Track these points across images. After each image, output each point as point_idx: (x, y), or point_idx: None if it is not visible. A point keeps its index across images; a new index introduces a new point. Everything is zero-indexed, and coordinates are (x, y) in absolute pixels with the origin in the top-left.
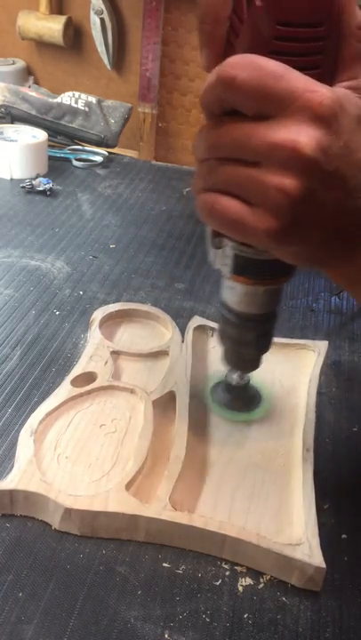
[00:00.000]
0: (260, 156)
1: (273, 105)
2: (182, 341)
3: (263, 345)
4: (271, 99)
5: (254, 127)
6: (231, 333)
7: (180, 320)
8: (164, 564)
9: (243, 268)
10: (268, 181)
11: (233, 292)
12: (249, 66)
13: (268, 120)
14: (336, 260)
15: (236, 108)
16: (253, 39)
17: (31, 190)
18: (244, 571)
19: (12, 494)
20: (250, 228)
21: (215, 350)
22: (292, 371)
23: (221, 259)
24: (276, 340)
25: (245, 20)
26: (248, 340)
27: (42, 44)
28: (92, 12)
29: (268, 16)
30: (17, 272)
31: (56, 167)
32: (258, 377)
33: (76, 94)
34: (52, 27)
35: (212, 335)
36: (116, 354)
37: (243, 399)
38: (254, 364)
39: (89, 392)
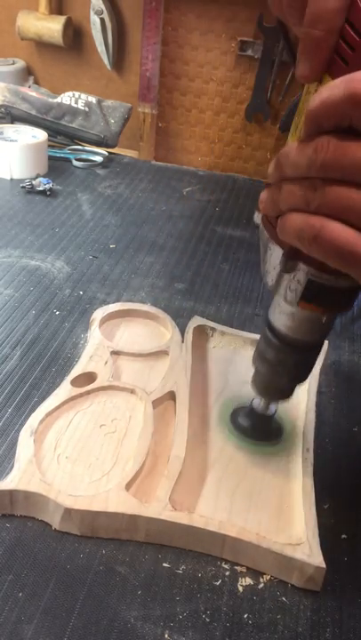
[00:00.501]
0: None
1: None
2: (182, 341)
3: (304, 374)
4: None
5: None
6: (272, 359)
7: (180, 320)
8: (164, 564)
9: (314, 296)
10: None
11: (291, 318)
12: None
13: None
14: None
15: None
16: None
17: (31, 190)
18: (244, 571)
19: (12, 494)
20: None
21: (215, 350)
22: None
23: (288, 283)
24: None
25: None
26: (290, 369)
27: (42, 44)
28: (91, 12)
29: None
30: (17, 272)
31: (56, 167)
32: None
33: (76, 94)
34: (52, 27)
35: (212, 335)
36: (115, 354)
37: (265, 429)
38: (288, 393)
39: (89, 392)
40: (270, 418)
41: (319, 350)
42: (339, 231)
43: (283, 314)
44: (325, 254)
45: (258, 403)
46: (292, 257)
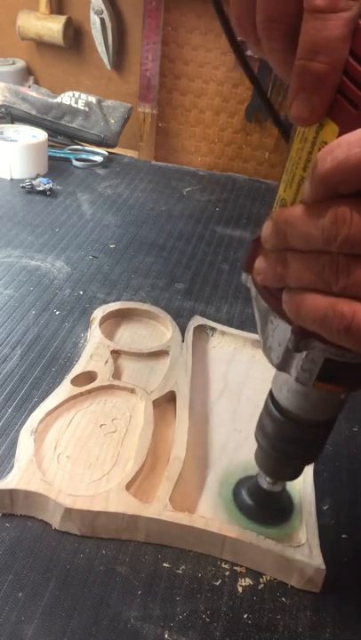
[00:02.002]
0: None
1: None
2: (182, 341)
3: (317, 453)
4: None
5: None
6: (280, 439)
7: (180, 320)
8: (164, 564)
9: (332, 375)
10: None
11: (305, 400)
12: None
13: None
14: None
15: None
16: None
17: (31, 190)
18: (244, 571)
19: (12, 494)
20: None
21: (215, 350)
22: None
23: (300, 362)
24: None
25: None
26: (299, 449)
27: (42, 44)
28: (92, 12)
29: None
30: (17, 272)
31: (56, 167)
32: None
33: (76, 94)
34: (52, 27)
35: (213, 335)
36: (116, 353)
37: (272, 509)
38: (297, 472)
39: (89, 391)
40: (279, 495)
41: (332, 426)
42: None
43: (292, 392)
44: (358, 345)
45: (263, 478)
46: (305, 336)
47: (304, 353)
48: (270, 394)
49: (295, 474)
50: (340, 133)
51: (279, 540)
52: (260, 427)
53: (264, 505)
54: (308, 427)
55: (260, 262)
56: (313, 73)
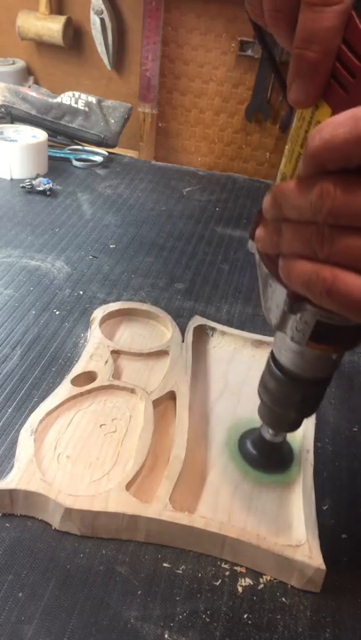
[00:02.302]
0: None
1: None
2: (182, 341)
3: (314, 408)
4: None
5: None
6: (280, 394)
7: (180, 320)
8: (164, 564)
9: (323, 336)
10: None
11: (300, 358)
12: None
13: None
14: None
15: None
16: None
17: (31, 190)
18: (244, 571)
19: (12, 494)
20: None
21: (215, 350)
22: None
23: (295, 324)
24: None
25: None
26: (297, 403)
27: (42, 45)
28: (91, 12)
29: None
30: (17, 272)
31: (56, 167)
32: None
33: (76, 94)
34: (52, 27)
35: (212, 335)
36: (116, 353)
37: (274, 458)
38: (295, 424)
39: (89, 391)
40: (280, 445)
41: (329, 382)
42: (354, 283)
43: (290, 352)
44: (340, 307)
45: (266, 430)
46: (298, 299)
47: (298, 315)
48: (271, 353)
49: (295, 426)
50: (333, 114)
51: (280, 485)
52: (263, 384)
53: (266, 454)
54: (305, 384)
55: (260, 231)
56: (308, 61)
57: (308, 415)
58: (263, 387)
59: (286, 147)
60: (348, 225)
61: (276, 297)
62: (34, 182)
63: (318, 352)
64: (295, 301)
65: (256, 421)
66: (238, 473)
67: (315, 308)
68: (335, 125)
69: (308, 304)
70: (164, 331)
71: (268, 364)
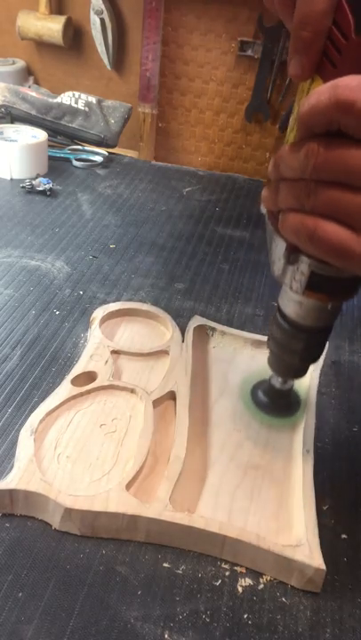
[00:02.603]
0: None
1: None
2: (182, 341)
3: (316, 355)
4: None
5: None
6: (285, 342)
7: (180, 320)
8: (164, 564)
9: (318, 286)
10: None
11: (300, 307)
12: None
13: None
14: None
15: (349, 132)
16: None
17: (31, 190)
18: (244, 571)
19: (12, 494)
20: (356, 255)
21: (215, 350)
22: None
23: (293, 274)
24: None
25: (353, 39)
26: (301, 350)
27: (42, 45)
28: (91, 12)
29: None
30: (17, 272)
31: (56, 167)
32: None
33: (76, 94)
34: (52, 27)
35: (212, 335)
36: (116, 353)
37: (285, 403)
38: (301, 372)
39: (89, 391)
40: (288, 392)
41: (330, 332)
42: (332, 231)
43: (291, 301)
44: (321, 252)
45: (276, 379)
46: (294, 250)
47: (295, 266)
48: (277, 305)
49: (301, 372)
50: None
51: (287, 426)
52: (270, 335)
53: (277, 401)
54: (307, 332)
55: (264, 191)
56: (303, 39)
57: (312, 361)
58: (271, 336)
59: (291, 117)
60: (329, 179)
61: (278, 250)
62: (34, 182)
63: (315, 301)
64: (292, 252)
65: (266, 373)
66: (252, 420)
67: (308, 259)
68: (319, 93)
69: (302, 255)
70: (164, 331)
71: (274, 317)
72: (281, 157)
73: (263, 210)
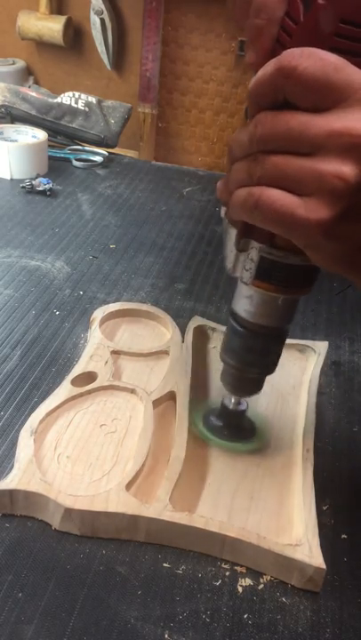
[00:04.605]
0: (317, 145)
1: (332, 96)
2: (182, 341)
3: (269, 365)
4: (331, 89)
5: (312, 117)
6: (237, 348)
7: (180, 320)
8: (164, 564)
9: (267, 273)
10: (323, 169)
11: (250, 302)
12: (310, 57)
13: (324, 112)
14: None
15: (292, 99)
16: (312, 35)
17: (31, 190)
18: (244, 571)
19: (12, 494)
20: (300, 219)
21: (215, 350)
22: (293, 371)
23: (244, 263)
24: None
25: (301, 22)
26: (254, 357)
27: (42, 44)
28: (92, 12)
29: (332, 11)
30: (17, 272)
31: (56, 167)
32: (253, 404)
33: (76, 94)
34: (52, 27)
35: (213, 335)
36: (116, 353)
37: (236, 427)
38: (256, 386)
39: (89, 392)
40: (243, 414)
41: (283, 339)
42: (276, 196)
43: (242, 298)
44: (266, 220)
45: (229, 400)
46: (245, 234)
47: (246, 254)
48: (230, 310)
49: (255, 388)
50: None
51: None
52: (223, 346)
53: (232, 424)
54: (260, 334)
55: (218, 184)
56: (256, 26)
57: (268, 373)
58: (223, 348)
59: None
60: (274, 148)
61: (230, 242)
62: (34, 182)
63: (265, 295)
64: (242, 237)
65: (214, 403)
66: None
67: (258, 244)
68: (265, 66)
69: (252, 240)
70: (163, 331)
71: (227, 325)
72: (233, 139)
73: (222, 213)
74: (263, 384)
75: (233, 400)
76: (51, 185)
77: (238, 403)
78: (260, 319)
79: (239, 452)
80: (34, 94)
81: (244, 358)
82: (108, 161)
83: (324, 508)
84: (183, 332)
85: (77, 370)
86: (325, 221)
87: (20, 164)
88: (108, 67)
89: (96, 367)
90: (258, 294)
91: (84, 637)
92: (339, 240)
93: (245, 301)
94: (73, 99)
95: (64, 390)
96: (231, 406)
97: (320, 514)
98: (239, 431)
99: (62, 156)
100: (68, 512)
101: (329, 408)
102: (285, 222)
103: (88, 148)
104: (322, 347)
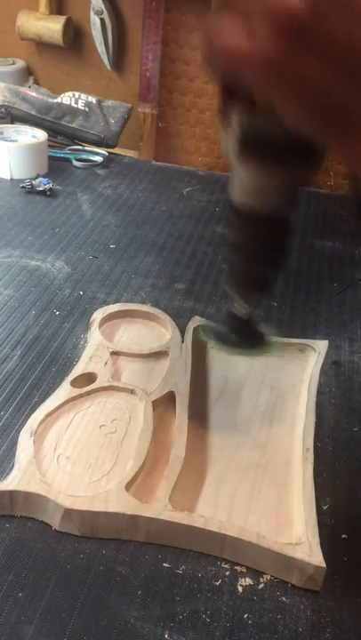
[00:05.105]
0: None
1: None
2: (182, 342)
3: (274, 259)
4: None
5: None
6: (236, 240)
7: (180, 320)
8: (164, 564)
9: (249, 145)
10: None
11: (240, 184)
12: None
13: None
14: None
15: None
16: None
17: (31, 190)
18: (244, 571)
19: (11, 495)
20: (245, 54)
21: (215, 350)
22: (293, 371)
23: (231, 141)
24: (276, 339)
25: None
26: (255, 247)
27: (42, 45)
28: (91, 12)
29: None
30: (17, 272)
31: (56, 167)
32: (253, 402)
33: (76, 94)
34: (52, 27)
35: None
36: (115, 354)
37: (245, 336)
38: (264, 285)
39: (89, 392)
40: (252, 321)
41: (284, 227)
42: (225, 32)
43: (235, 181)
44: (219, 62)
45: (234, 305)
46: (225, 99)
47: (230, 129)
48: (228, 202)
49: (262, 286)
50: None
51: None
52: (226, 241)
53: (239, 332)
54: (258, 220)
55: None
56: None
57: (274, 267)
58: (226, 243)
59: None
60: None
61: (224, 137)
62: (34, 182)
63: (254, 173)
64: (223, 104)
65: None
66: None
67: (238, 116)
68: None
69: (233, 114)
70: (163, 331)
71: (226, 219)
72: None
73: (222, 139)
74: (271, 285)
75: (238, 304)
76: (51, 185)
77: (244, 306)
78: (253, 200)
79: (242, 441)
80: (34, 94)
81: (244, 250)
82: (108, 161)
83: (324, 507)
84: (183, 333)
85: (77, 371)
86: (270, 55)
87: (20, 164)
88: (108, 67)
89: (96, 368)
90: (246, 173)
91: (84, 637)
92: (298, 84)
93: (238, 185)
94: (73, 99)
95: (64, 391)
96: (237, 311)
97: (320, 513)
98: (252, 338)
99: (62, 156)
100: (68, 512)
101: (329, 408)
102: (234, 60)
103: (88, 147)
104: (322, 346)
